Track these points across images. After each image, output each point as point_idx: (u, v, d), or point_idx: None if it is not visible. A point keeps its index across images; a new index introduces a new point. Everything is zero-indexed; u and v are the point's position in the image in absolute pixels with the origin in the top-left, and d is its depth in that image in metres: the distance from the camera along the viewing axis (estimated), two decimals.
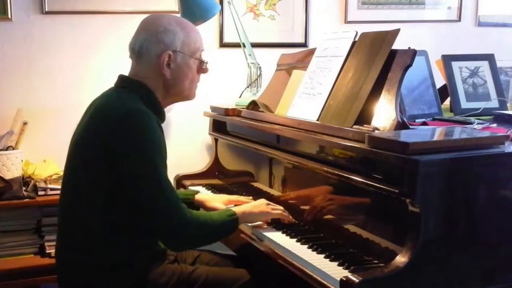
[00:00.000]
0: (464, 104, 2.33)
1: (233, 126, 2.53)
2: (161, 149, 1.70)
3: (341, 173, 1.68)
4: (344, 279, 1.38)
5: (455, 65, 2.39)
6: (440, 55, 2.41)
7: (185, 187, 2.56)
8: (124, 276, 1.72)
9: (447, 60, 2.39)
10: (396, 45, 1.82)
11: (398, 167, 1.46)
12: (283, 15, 3.02)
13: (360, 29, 2.02)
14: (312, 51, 2.20)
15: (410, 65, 1.75)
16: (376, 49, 1.86)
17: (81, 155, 1.73)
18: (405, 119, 1.74)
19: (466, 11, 3.34)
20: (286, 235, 1.83)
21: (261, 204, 1.92)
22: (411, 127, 1.72)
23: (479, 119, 2.07)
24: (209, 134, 2.71)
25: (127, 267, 1.72)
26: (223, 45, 2.94)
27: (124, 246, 1.73)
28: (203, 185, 2.55)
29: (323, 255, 1.63)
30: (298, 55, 2.40)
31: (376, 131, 1.66)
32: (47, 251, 2.48)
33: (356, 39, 1.99)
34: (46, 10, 2.65)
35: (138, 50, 1.79)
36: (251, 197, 2.14)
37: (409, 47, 1.80)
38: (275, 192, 2.17)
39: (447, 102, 2.39)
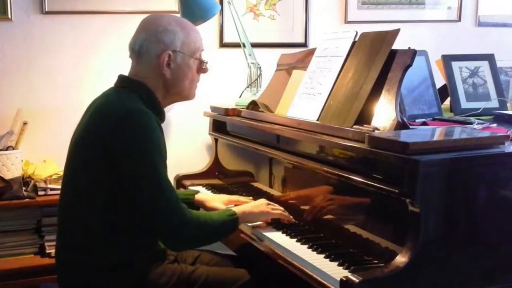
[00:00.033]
0: (464, 104, 2.33)
1: (233, 126, 2.53)
2: (161, 149, 1.70)
3: (341, 173, 1.68)
4: (344, 279, 1.38)
5: (455, 65, 2.39)
6: (440, 55, 2.41)
7: (185, 187, 2.56)
8: (124, 276, 1.72)
9: (447, 60, 2.39)
10: (396, 45, 1.82)
11: (398, 167, 1.46)
12: (283, 15, 3.02)
13: (360, 29, 2.02)
14: (312, 51, 2.20)
15: (410, 65, 1.75)
16: (376, 49, 1.86)
17: (81, 155, 1.73)
18: (405, 119, 1.74)
19: (466, 11, 3.34)
20: (286, 235, 1.83)
21: (261, 204, 1.92)
22: (411, 127, 1.72)
23: (479, 119, 2.07)
24: (209, 134, 2.71)
25: (127, 267, 1.72)
26: (223, 45, 2.94)
27: (124, 246, 1.72)
28: (203, 185, 2.55)
29: (323, 255, 1.63)
30: (298, 55, 2.40)
31: (376, 131, 1.66)
32: (47, 251, 2.48)
33: (356, 39, 1.99)
34: (46, 10, 2.65)
35: (138, 50, 1.79)
36: (251, 197, 2.14)
37: (409, 47, 1.80)
38: (275, 192, 2.17)
39: (447, 102, 2.39)
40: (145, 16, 1.88)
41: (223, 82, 2.88)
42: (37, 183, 2.51)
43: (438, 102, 2.21)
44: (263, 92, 2.50)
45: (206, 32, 2.68)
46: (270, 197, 2.11)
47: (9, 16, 2.61)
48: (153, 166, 1.65)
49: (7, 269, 2.40)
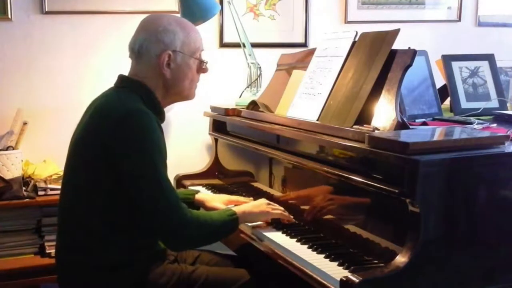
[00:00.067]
0: (464, 104, 2.33)
1: (233, 126, 2.53)
2: (161, 149, 1.70)
3: (341, 173, 1.68)
4: (344, 279, 1.38)
5: (455, 65, 2.39)
6: (440, 55, 2.41)
7: (185, 187, 2.55)
8: (124, 276, 1.72)
9: (447, 60, 2.39)
10: (396, 45, 1.82)
11: (398, 167, 1.46)
12: (283, 15, 3.02)
13: (360, 29, 2.02)
14: (312, 51, 2.20)
15: (410, 65, 1.75)
16: (376, 49, 1.86)
17: (81, 155, 1.73)
18: (405, 119, 1.74)
19: (466, 11, 3.34)
20: (286, 235, 1.83)
21: (261, 204, 1.92)
22: (411, 127, 1.72)
23: (479, 119, 2.07)
24: (209, 134, 2.71)
25: (127, 267, 1.72)
26: (223, 45, 2.94)
27: (124, 246, 1.72)
28: (203, 185, 2.55)
29: (323, 255, 1.63)
30: (298, 55, 2.40)
31: (376, 131, 1.66)
32: (47, 251, 2.47)
33: (356, 39, 1.99)
34: (46, 10, 2.65)
35: (138, 50, 1.79)
36: (251, 197, 2.14)
37: (409, 47, 1.80)
38: (275, 192, 2.17)
39: (447, 102, 2.39)
40: (145, 16, 1.88)
41: (223, 82, 2.88)
42: (37, 183, 2.51)
43: (438, 102, 2.21)
44: (263, 92, 2.49)
45: (206, 32, 2.68)
46: (270, 197, 2.11)
47: (9, 16, 2.61)
48: (153, 166, 1.65)
49: (7, 269, 2.40)
